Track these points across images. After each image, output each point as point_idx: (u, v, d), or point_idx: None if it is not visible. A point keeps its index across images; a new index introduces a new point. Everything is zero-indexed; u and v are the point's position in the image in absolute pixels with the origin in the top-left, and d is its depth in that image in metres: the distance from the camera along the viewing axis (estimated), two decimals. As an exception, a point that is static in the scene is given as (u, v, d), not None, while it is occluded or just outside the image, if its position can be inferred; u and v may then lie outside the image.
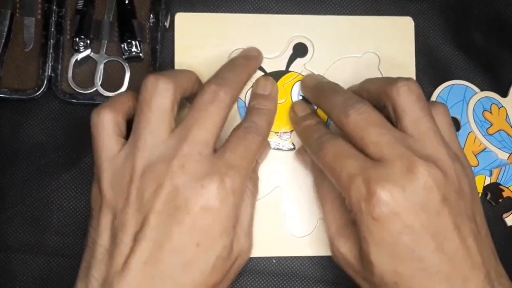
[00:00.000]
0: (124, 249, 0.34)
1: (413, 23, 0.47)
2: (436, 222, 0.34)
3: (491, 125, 0.47)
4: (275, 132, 0.45)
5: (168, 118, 0.37)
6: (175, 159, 0.35)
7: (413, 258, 0.34)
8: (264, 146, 0.42)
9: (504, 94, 0.47)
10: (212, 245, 0.35)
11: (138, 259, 0.34)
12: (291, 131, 0.45)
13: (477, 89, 0.47)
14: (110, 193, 0.36)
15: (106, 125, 0.37)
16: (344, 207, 0.38)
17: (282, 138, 0.45)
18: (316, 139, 0.39)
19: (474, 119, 0.47)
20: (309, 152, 0.41)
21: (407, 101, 0.36)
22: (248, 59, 0.43)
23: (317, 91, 0.43)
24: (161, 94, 0.36)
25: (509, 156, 0.47)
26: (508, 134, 0.47)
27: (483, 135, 0.46)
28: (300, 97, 0.46)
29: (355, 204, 0.34)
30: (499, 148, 0.46)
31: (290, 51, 0.46)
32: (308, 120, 0.43)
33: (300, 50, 0.46)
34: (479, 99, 0.47)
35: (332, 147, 0.37)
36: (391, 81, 0.37)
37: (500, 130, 0.47)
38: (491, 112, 0.47)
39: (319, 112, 0.44)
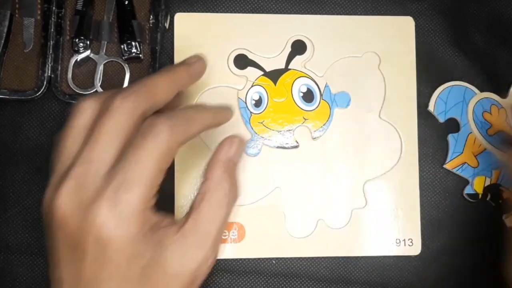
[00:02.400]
0: (57, 285, 0.33)
1: (413, 23, 0.47)
2: None
3: (491, 126, 0.47)
4: (278, 131, 0.45)
5: (72, 140, 0.34)
6: (63, 184, 0.32)
7: None
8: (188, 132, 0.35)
9: (503, 95, 0.47)
10: (126, 272, 0.32)
11: None
12: (295, 128, 0.46)
13: (476, 90, 0.47)
14: None
15: None
16: None
17: (285, 136, 0.45)
18: None
19: (474, 120, 0.46)
20: None
21: None
22: (176, 66, 0.40)
23: None
24: (79, 111, 0.34)
25: (509, 157, 0.47)
26: (508, 135, 0.47)
27: (483, 136, 0.46)
28: (301, 94, 0.46)
29: None
30: (498, 148, 0.46)
31: (289, 49, 0.46)
32: None
33: (299, 47, 0.46)
34: (478, 100, 0.47)
35: None
36: None
37: (499, 130, 0.47)
38: (490, 113, 0.47)
39: None
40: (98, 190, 0.31)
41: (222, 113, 0.39)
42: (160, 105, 0.36)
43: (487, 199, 0.46)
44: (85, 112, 0.34)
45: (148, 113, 0.34)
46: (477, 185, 0.46)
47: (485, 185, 0.46)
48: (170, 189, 0.44)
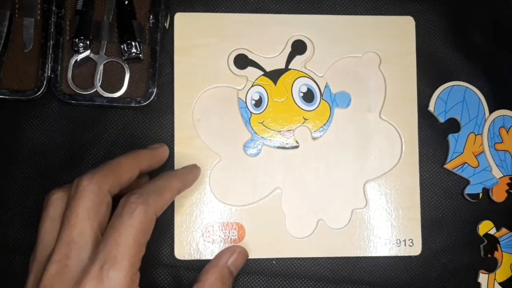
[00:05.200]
0: None
1: (414, 23, 0.47)
2: None
3: (501, 142, 0.46)
4: (278, 131, 0.45)
5: (48, 229, 0.36)
6: (47, 268, 0.33)
7: None
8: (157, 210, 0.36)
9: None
10: None
11: None
12: (295, 128, 0.45)
13: (477, 90, 0.47)
14: None
15: None
16: None
17: (285, 136, 0.45)
18: None
19: (488, 128, 0.46)
20: None
21: None
22: (140, 150, 0.42)
23: None
24: (50, 203, 0.37)
25: (501, 177, 0.46)
26: (512, 158, 0.47)
27: (489, 146, 0.46)
28: (301, 94, 0.46)
29: None
30: (496, 165, 0.46)
31: (289, 49, 0.46)
32: None
33: (299, 47, 0.46)
34: (504, 115, 0.47)
35: None
36: None
37: (507, 150, 0.46)
38: (507, 131, 0.47)
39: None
40: (82, 270, 0.33)
41: (189, 175, 0.42)
42: (126, 183, 0.38)
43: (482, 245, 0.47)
44: (54, 202, 0.37)
45: (114, 190, 0.36)
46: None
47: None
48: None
